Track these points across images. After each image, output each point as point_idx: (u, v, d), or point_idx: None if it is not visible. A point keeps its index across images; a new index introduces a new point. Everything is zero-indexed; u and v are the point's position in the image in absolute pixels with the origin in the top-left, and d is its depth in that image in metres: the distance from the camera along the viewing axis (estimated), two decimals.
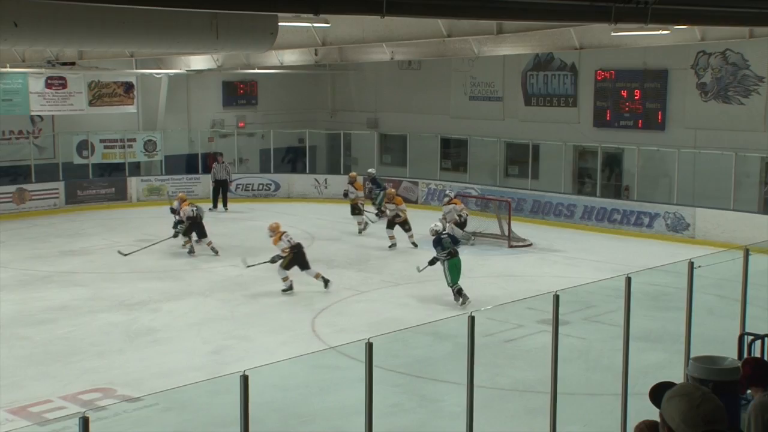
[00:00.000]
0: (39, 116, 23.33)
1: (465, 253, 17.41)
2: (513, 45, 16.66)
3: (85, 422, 5.97)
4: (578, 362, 10.52)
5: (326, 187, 24.93)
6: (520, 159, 23.26)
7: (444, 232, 14.11)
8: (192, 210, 16.96)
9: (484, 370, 8.13)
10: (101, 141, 24.32)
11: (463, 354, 6.57)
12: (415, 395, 9.97)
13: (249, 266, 14.87)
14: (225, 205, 23.05)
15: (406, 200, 23.67)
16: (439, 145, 24.73)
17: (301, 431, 8.94)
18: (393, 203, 18.57)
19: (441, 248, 13.75)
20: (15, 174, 23.36)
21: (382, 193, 21.19)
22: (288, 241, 14.55)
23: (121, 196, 24.24)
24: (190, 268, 16.16)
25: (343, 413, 8.99)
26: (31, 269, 15.55)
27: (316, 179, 25.30)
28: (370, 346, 7.81)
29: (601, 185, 21.44)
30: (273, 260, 14.55)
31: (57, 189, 23.26)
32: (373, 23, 15.13)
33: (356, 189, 20.20)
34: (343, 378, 10.17)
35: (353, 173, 21.18)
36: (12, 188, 22.50)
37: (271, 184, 25.25)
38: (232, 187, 24.16)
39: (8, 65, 19.93)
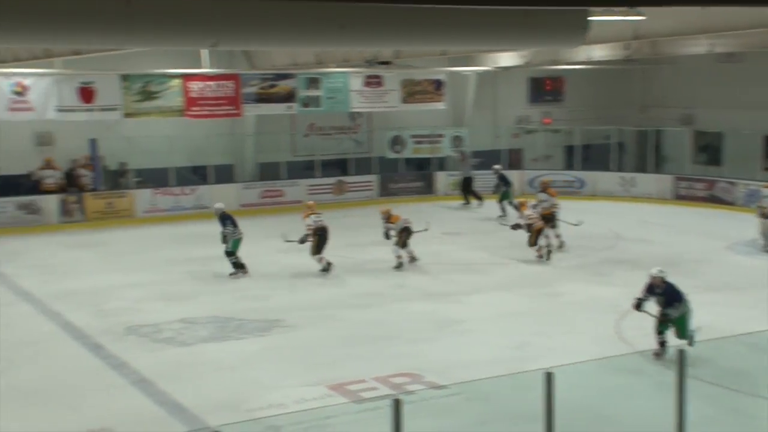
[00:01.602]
0: (357, 113, 24.94)
1: None
2: None
3: (397, 404, 6.31)
4: None
5: (633, 186, 24.14)
6: None
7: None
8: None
9: None
10: (412, 137, 25.47)
11: None
12: (728, 408, 9.35)
13: (287, 241, 15.78)
14: (478, 198, 23.50)
15: (722, 202, 22.28)
16: (761, 144, 22.90)
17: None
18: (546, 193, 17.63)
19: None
20: (335, 166, 25.26)
21: (509, 190, 20.97)
22: (314, 221, 15.30)
23: (428, 189, 25.25)
24: (493, 263, 16.41)
25: (648, 419, 8.66)
26: (347, 256, 16.62)
27: (622, 177, 24.56)
28: (681, 353, 7.46)
29: None
30: (302, 241, 15.51)
31: (371, 181, 24.77)
32: (690, 14, 14.34)
33: (550, 195, 17.96)
34: (650, 384, 9.79)
35: (546, 179, 19.58)
36: (332, 180, 24.36)
37: (575, 181, 24.92)
38: (536, 182, 24.30)
39: (333, 65, 21.52)
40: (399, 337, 11.89)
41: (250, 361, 10.94)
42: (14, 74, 19.43)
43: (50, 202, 21.12)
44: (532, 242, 16.43)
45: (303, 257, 16.08)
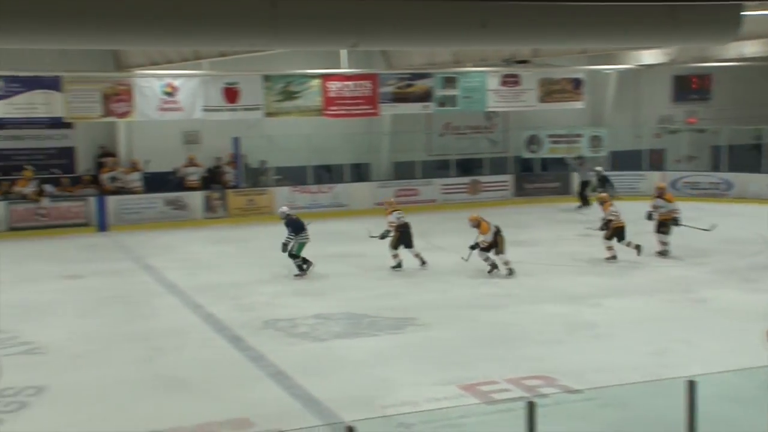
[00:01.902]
0: (493, 112, 24.78)
1: None
2: None
3: (531, 407, 6.23)
4: None
5: None
6: None
7: None
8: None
9: None
10: (549, 136, 25.09)
11: None
12: None
13: (372, 237, 16.10)
14: (584, 202, 23.01)
15: None
16: None
17: None
18: (664, 198, 16.69)
19: None
20: (470, 166, 25.19)
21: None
22: (397, 218, 15.74)
23: (564, 190, 24.80)
24: (631, 266, 15.95)
25: None
26: (479, 257, 16.49)
27: None
28: None
29: None
30: (383, 236, 15.87)
31: (507, 181, 24.57)
32: None
33: (667, 201, 16.78)
34: None
35: (661, 184, 18.12)
36: (467, 179, 24.30)
37: (721, 183, 23.91)
38: (679, 184, 23.61)
39: (470, 64, 21.47)
40: (532, 338, 11.72)
41: (382, 358, 11.05)
42: (165, 76, 20.40)
43: (195, 199, 22.03)
44: (608, 237, 16.26)
45: (437, 256, 16.11)
